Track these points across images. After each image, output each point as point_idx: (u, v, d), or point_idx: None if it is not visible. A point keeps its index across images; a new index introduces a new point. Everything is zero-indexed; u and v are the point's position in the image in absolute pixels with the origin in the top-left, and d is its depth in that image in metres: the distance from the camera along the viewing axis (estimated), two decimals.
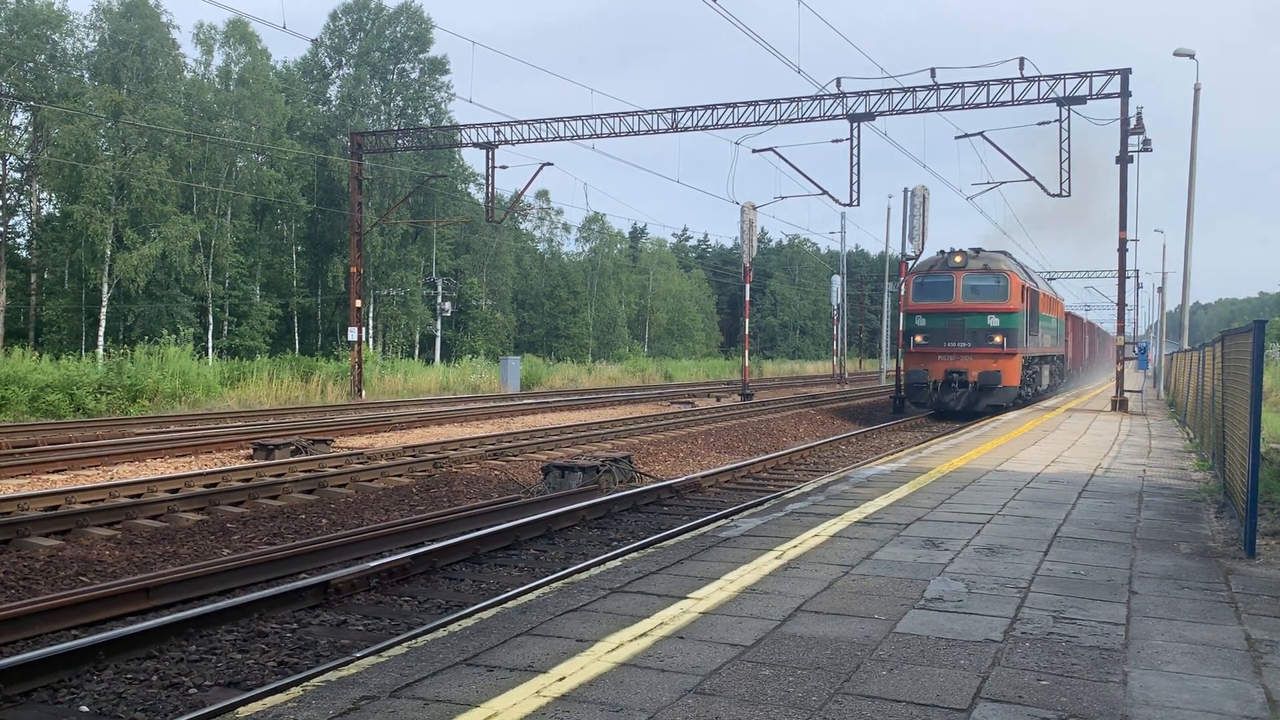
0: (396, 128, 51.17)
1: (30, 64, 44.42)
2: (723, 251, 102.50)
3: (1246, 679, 4.74)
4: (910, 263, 34.10)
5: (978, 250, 30.11)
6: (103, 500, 12.12)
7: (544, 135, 32.16)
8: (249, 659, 6.56)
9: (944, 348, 29.34)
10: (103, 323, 43.76)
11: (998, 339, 28.68)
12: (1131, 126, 26.80)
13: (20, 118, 45.86)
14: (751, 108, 29.87)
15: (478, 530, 10.36)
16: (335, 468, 15.66)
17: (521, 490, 14.57)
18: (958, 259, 29.58)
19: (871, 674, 4.70)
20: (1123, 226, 27.09)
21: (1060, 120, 27.16)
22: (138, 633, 6.68)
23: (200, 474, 14.16)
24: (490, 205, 36.64)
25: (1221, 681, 4.69)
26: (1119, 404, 27.65)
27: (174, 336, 37.23)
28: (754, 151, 30.89)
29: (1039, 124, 28.28)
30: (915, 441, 22.89)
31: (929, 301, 29.79)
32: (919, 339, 29.92)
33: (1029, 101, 27.06)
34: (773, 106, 29.64)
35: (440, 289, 58.98)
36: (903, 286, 32.64)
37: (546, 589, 6.29)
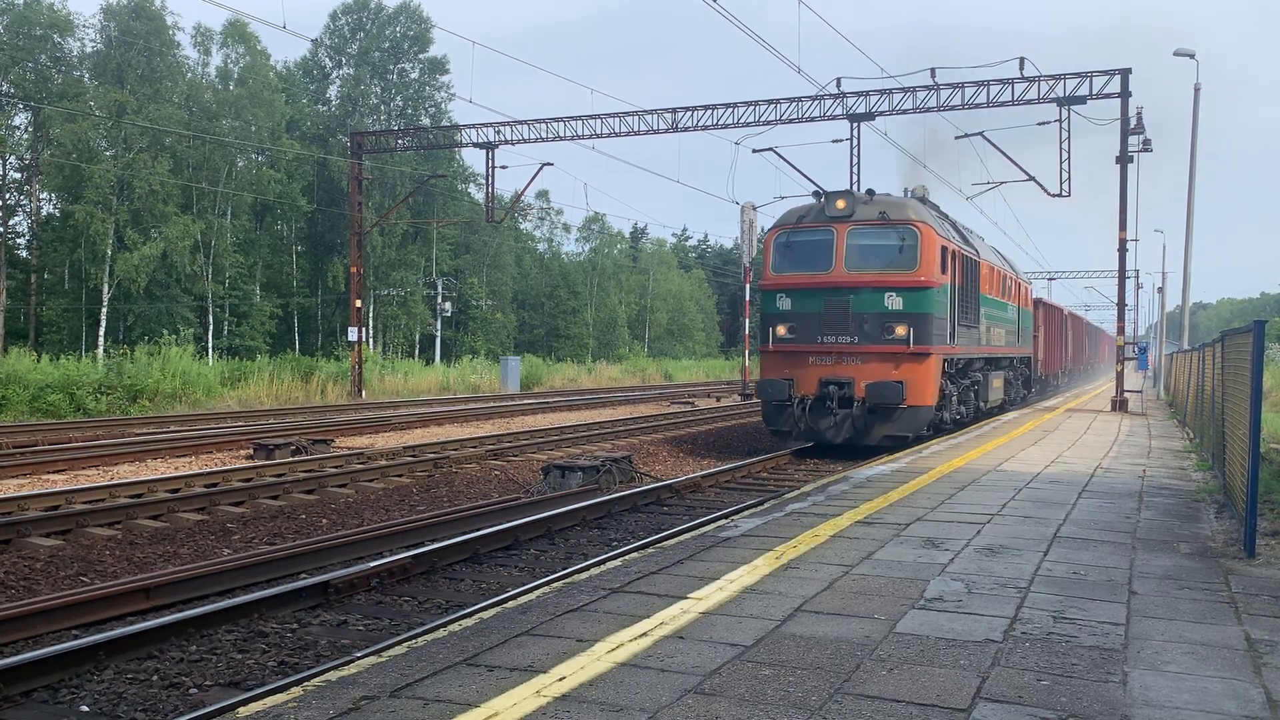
0: (396, 128, 51.17)
1: (31, 64, 44.44)
2: (723, 251, 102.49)
3: (1246, 679, 4.74)
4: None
5: (871, 193, 18.95)
6: (103, 500, 12.12)
7: (544, 135, 32.16)
8: (249, 659, 6.56)
9: (818, 344, 18.26)
10: (103, 323, 43.77)
11: (899, 330, 17.63)
12: (1131, 126, 26.81)
13: (21, 118, 45.89)
14: (751, 108, 29.87)
15: (478, 530, 10.36)
16: (335, 468, 15.66)
17: (522, 490, 14.58)
18: (840, 204, 18.23)
19: (871, 674, 4.70)
20: (1123, 226, 27.07)
21: (1060, 120, 27.16)
22: (138, 633, 6.68)
23: (200, 474, 14.17)
24: (490, 205, 36.64)
25: (1221, 681, 4.69)
26: (1119, 404, 27.64)
27: (174, 336, 37.24)
28: (754, 151, 30.71)
29: (1039, 124, 28.28)
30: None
31: (797, 272, 18.61)
32: (781, 330, 18.51)
33: (1029, 101, 27.05)
34: (773, 106, 29.64)
35: (440, 289, 58.99)
36: (762, 249, 21.45)
37: (546, 589, 6.29)
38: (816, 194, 18.68)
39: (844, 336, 17.80)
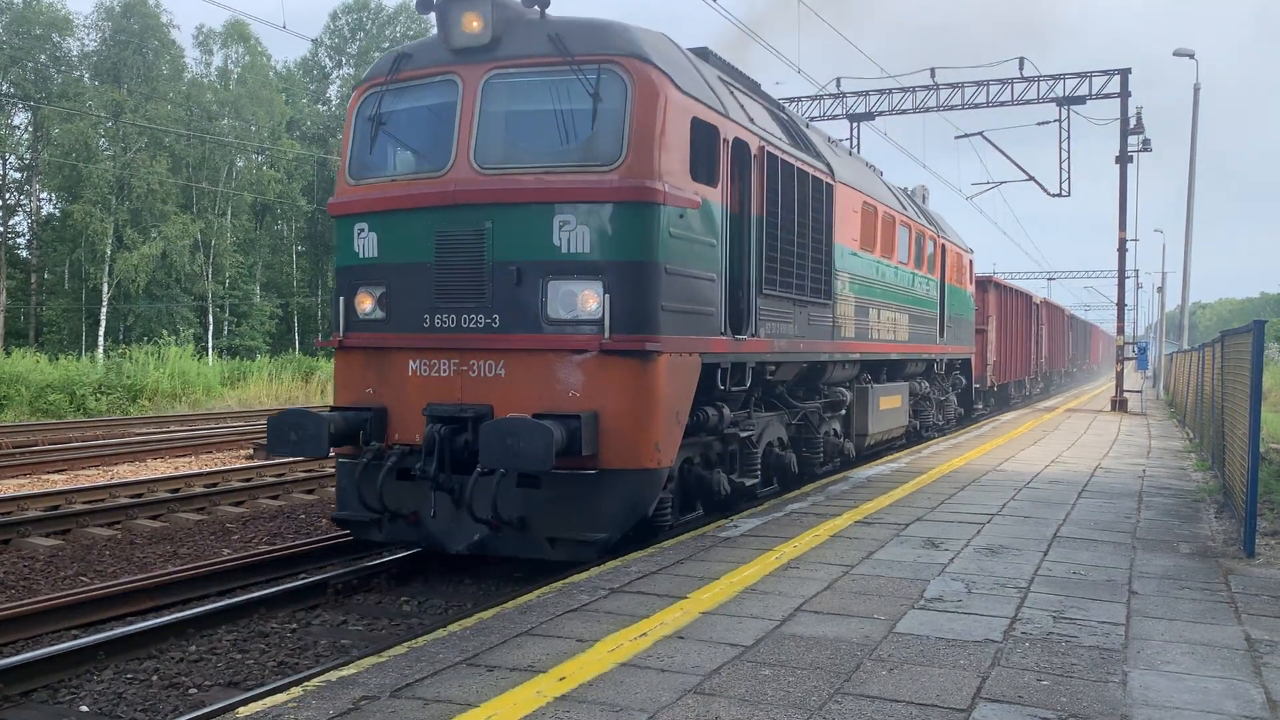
0: None
1: (31, 64, 44.45)
2: None
3: (1246, 679, 4.74)
4: None
5: (538, 2, 8.16)
6: (103, 500, 12.11)
7: None
8: (249, 659, 6.56)
9: (423, 332, 8.18)
10: (103, 322, 43.78)
11: (585, 299, 7.69)
12: (1131, 126, 26.83)
13: (21, 117, 45.91)
14: None
15: None
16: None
17: None
18: (471, 24, 8.20)
19: (871, 674, 4.70)
20: (1122, 226, 27.10)
21: (1060, 120, 27.18)
22: (138, 633, 6.69)
23: (200, 474, 14.16)
24: None
25: (1221, 681, 4.69)
26: (1118, 404, 27.65)
27: (174, 336, 37.24)
28: None
29: (1039, 124, 28.31)
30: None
31: (387, 177, 8.58)
32: (363, 303, 8.53)
33: (1029, 101, 27.10)
34: None
35: None
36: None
37: (546, 589, 6.29)
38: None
39: (474, 314, 7.92)
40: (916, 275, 16.07)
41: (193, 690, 6.04)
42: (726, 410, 8.96)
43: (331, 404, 8.61)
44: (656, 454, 7.68)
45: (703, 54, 10.08)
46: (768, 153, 9.68)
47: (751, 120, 9.66)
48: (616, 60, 7.83)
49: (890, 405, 14.62)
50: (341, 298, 8.63)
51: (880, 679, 4.63)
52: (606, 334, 7.50)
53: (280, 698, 4.37)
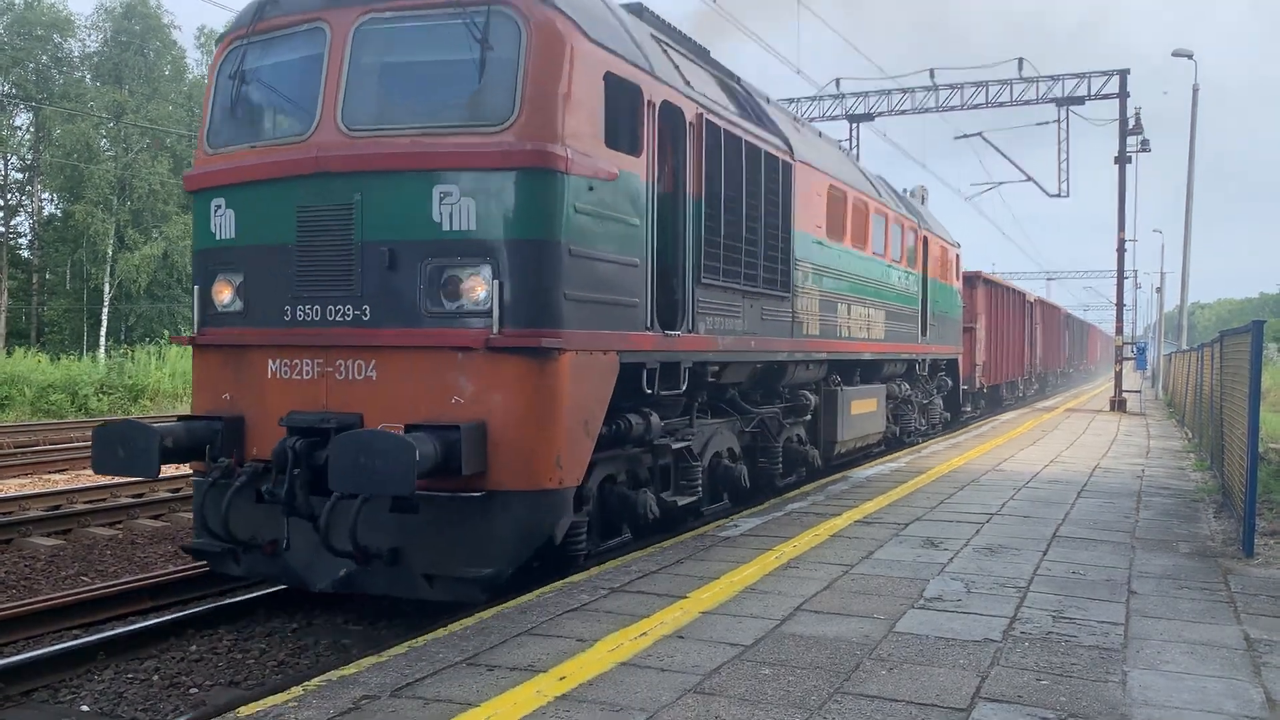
0: None
1: (32, 64, 44.47)
2: None
3: (1245, 679, 4.75)
4: None
5: None
6: (104, 500, 12.13)
7: None
8: (249, 659, 6.57)
9: (284, 327, 6.90)
10: (104, 323, 43.77)
11: (470, 286, 6.44)
12: (1130, 127, 26.85)
13: (22, 118, 45.93)
14: None
15: None
16: None
17: None
18: None
19: (871, 673, 4.71)
20: (1121, 227, 27.11)
21: (1059, 121, 27.20)
22: (138, 632, 6.70)
23: None
24: None
25: (1221, 681, 4.70)
26: (1117, 404, 27.66)
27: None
28: None
29: (1038, 124, 28.33)
30: None
31: (248, 143, 7.31)
32: (221, 293, 7.26)
33: (1028, 102, 27.12)
34: None
35: None
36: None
37: (546, 589, 6.30)
38: None
39: (341, 305, 6.75)
40: (894, 268, 14.93)
41: (193, 690, 6.04)
42: (655, 418, 7.74)
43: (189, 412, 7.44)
44: (557, 471, 6.44)
45: (636, 10, 8.89)
46: (708, 122, 8.38)
47: (688, 83, 8.36)
48: (509, 1, 6.58)
49: (864, 409, 13.46)
50: (197, 287, 7.37)
51: (880, 678, 4.63)
52: (495, 328, 6.29)
53: (280, 697, 4.37)
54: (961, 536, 8.16)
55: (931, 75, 27.83)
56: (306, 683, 4.57)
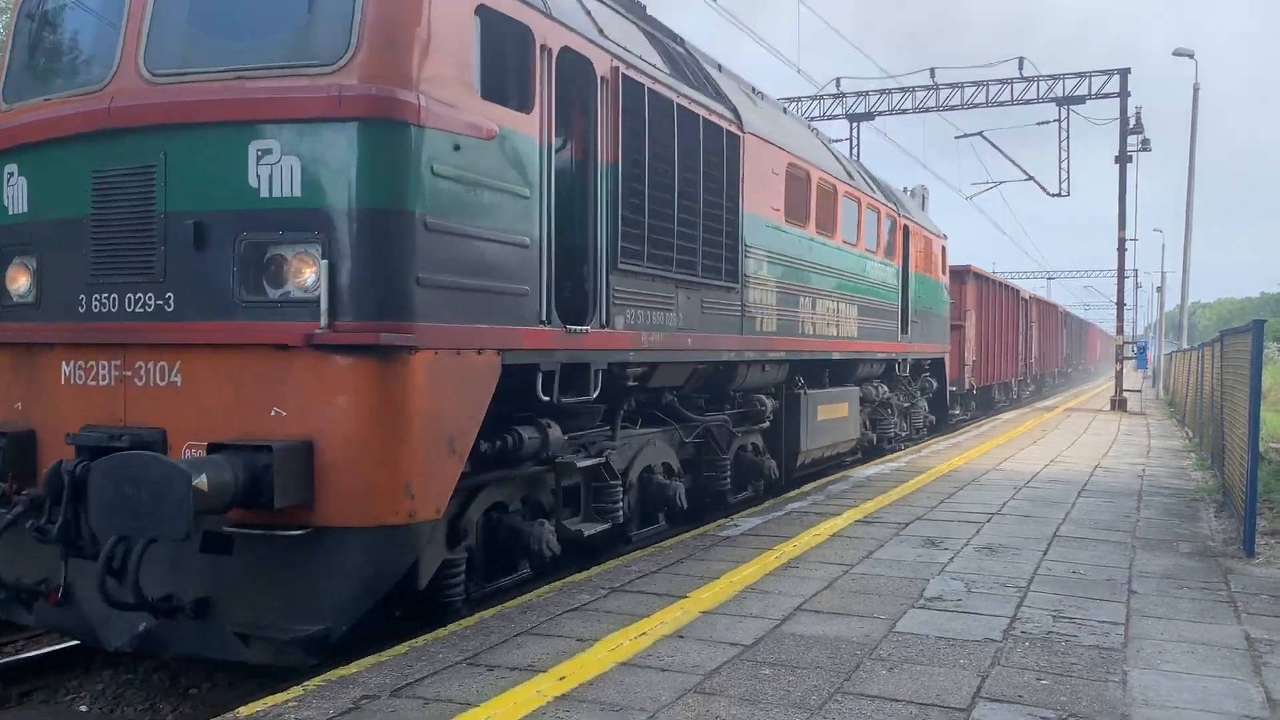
0: None
1: None
2: None
3: (1246, 678, 4.74)
4: None
5: None
6: None
7: None
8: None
9: (79, 320, 5.61)
10: None
11: (298, 269, 5.16)
12: (1130, 126, 26.85)
13: None
14: None
15: None
16: None
17: None
18: None
19: (871, 673, 4.70)
20: (1122, 226, 27.11)
21: (1059, 120, 27.20)
22: None
23: None
24: None
25: (1221, 681, 4.69)
26: (1118, 404, 27.67)
27: None
28: None
29: (1038, 124, 28.32)
30: None
31: (42, 97, 5.96)
32: (16, 280, 6.03)
33: (1028, 101, 27.11)
34: None
35: None
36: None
37: (547, 589, 6.29)
38: None
39: (141, 293, 5.42)
40: (869, 259, 13.44)
41: (193, 690, 6.04)
42: (556, 430, 6.42)
43: None
44: (407, 501, 5.12)
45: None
46: (626, 78, 7.00)
47: (601, 32, 6.97)
48: None
49: (833, 415, 12.10)
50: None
51: (880, 678, 4.63)
52: (324, 321, 4.96)
53: (280, 697, 4.37)
54: (962, 536, 8.16)
55: (932, 74, 27.83)
56: (306, 682, 4.57)
